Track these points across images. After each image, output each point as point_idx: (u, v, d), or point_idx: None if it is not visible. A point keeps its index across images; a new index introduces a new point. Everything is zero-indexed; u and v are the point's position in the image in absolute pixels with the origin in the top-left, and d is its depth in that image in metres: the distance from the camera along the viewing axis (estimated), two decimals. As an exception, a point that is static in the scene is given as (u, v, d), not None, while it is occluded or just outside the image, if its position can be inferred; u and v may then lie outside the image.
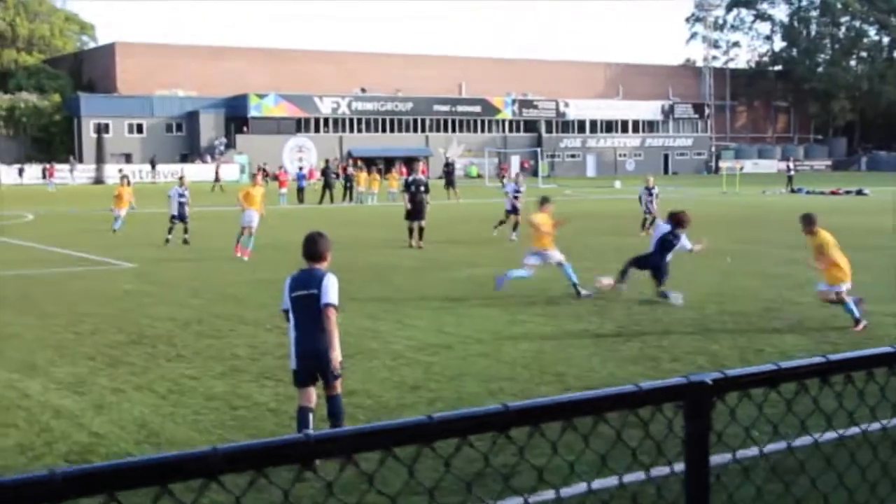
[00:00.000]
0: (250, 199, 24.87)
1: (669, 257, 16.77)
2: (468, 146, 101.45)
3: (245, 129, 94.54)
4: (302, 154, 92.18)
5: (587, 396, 2.39)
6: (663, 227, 17.06)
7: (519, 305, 16.21)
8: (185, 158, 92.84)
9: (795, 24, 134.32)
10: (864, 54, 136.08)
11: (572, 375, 11.10)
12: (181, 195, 28.99)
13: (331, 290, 7.99)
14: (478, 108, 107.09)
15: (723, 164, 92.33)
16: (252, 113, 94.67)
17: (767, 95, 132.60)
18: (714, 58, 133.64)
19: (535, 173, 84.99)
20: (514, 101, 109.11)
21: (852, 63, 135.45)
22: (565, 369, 11.41)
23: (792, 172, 65.62)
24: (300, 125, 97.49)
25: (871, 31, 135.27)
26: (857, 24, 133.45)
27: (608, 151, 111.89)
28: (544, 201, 18.17)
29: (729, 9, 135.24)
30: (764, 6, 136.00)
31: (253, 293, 17.69)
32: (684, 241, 16.81)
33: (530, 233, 18.03)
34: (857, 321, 13.57)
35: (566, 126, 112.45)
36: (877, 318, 14.67)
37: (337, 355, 7.94)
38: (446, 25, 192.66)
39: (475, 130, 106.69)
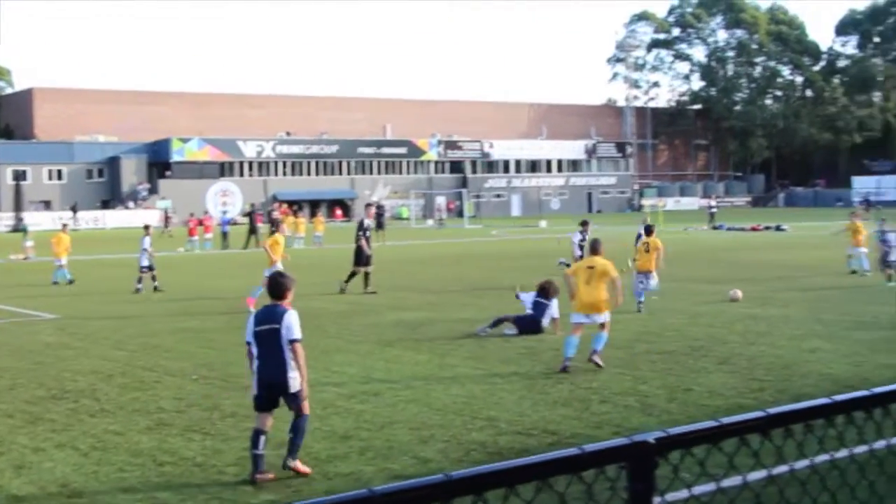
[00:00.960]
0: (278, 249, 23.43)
1: (546, 323, 17.70)
2: (394, 188, 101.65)
3: (168, 173, 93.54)
4: (226, 198, 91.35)
5: (530, 462, 2.32)
6: (530, 295, 18.32)
7: (448, 349, 16.14)
8: (106, 204, 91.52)
9: (713, 64, 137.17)
10: (779, 93, 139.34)
11: (504, 420, 11.03)
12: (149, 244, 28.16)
13: (294, 326, 9.01)
14: (403, 150, 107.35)
15: (646, 202, 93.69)
16: (175, 157, 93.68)
17: (688, 134, 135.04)
18: (635, 97, 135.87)
19: (460, 213, 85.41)
20: (439, 143, 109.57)
21: (768, 101, 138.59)
22: (497, 414, 11.34)
23: (714, 209, 66.74)
24: (224, 169, 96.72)
25: (786, 71, 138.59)
26: (772, 64, 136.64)
27: (533, 191, 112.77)
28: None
29: (649, 49, 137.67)
30: (682, 46, 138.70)
31: (178, 343, 17.38)
32: (553, 310, 17.76)
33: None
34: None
35: (491, 166, 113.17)
36: (798, 355, 14.85)
37: (305, 385, 9.10)
38: (370, 68, 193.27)
39: (401, 172, 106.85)
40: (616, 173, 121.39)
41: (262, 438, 8.97)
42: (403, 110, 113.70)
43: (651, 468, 2.47)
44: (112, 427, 11.06)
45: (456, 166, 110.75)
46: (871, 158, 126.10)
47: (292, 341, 8.98)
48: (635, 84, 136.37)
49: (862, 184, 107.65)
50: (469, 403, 11.95)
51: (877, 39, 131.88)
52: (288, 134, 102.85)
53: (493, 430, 10.58)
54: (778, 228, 57.36)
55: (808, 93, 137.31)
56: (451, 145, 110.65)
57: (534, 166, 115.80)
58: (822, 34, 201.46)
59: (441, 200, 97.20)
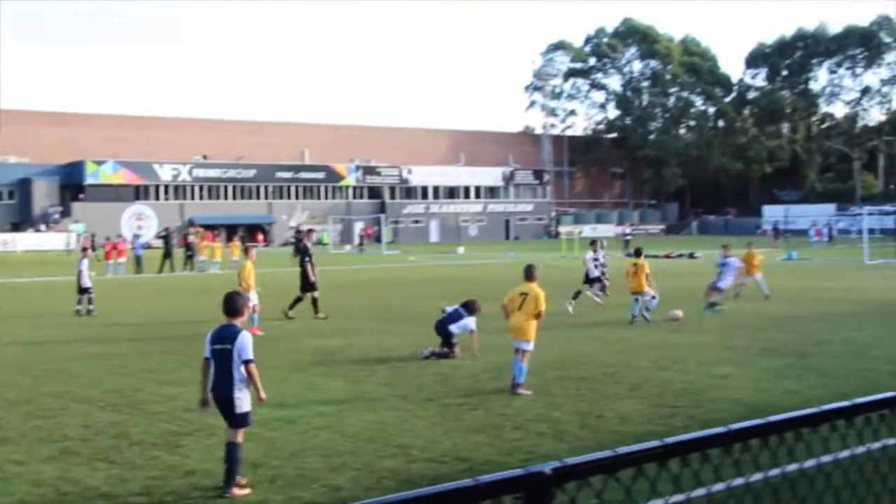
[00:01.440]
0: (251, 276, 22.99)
1: (456, 330, 18.19)
2: (312, 213, 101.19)
3: (81, 196, 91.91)
4: (141, 222, 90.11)
5: (425, 493, 2.29)
6: (454, 306, 19.00)
7: (363, 375, 16.05)
8: (16, 227, 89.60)
9: (628, 93, 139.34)
10: (692, 123, 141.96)
11: (416, 447, 10.98)
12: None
13: (246, 347, 9.38)
14: (321, 175, 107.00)
15: (562, 229, 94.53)
16: (89, 180, 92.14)
17: (604, 162, 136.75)
18: (552, 125, 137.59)
19: (378, 239, 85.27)
20: (357, 168, 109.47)
21: (682, 131, 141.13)
22: (409, 441, 11.28)
23: (629, 236, 67.64)
24: (139, 192, 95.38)
25: (699, 102, 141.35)
26: (686, 94, 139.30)
27: (451, 217, 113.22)
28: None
29: (566, 78, 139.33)
30: (598, 76, 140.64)
31: (87, 369, 17.00)
32: (470, 323, 18.29)
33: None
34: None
35: (409, 192, 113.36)
36: (709, 381, 15.06)
37: (263, 395, 9.51)
38: (289, 92, 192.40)
39: (319, 197, 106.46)
40: (533, 200, 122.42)
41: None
42: (322, 135, 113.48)
43: (548, 499, 2.45)
44: (13, 456, 10.74)
45: (374, 192, 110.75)
46: (780, 188, 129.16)
47: (245, 362, 9.33)
48: (552, 112, 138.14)
49: (772, 212, 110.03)
50: (382, 430, 11.87)
51: (785, 72, 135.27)
52: (205, 157, 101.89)
53: (405, 458, 10.52)
54: (691, 256, 58.26)
55: (721, 123, 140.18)
56: (370, 171, 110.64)
57: (452, 193, 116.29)
58: (733, 66, 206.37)
59: (359, 226, 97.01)
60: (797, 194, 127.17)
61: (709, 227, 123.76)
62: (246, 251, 24.92)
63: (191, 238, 53.13)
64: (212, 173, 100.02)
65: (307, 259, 25.90)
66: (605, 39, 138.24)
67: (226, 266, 50.33)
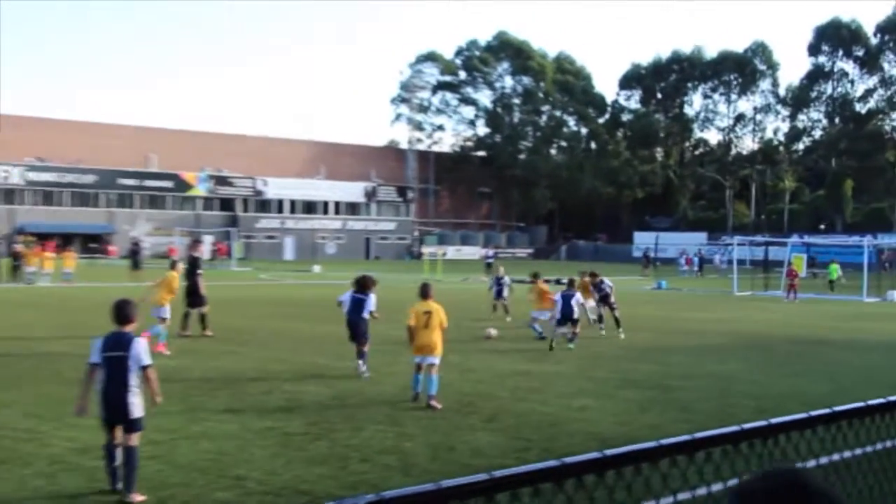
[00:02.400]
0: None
1: (367, 316, 19.13)
2: (157, 224, 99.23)
3: None
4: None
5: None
6: (347, 294, 19.57)
7: (201, 400, 15.72)
8: None
9: (499, 110, 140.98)
10: (564, 144, 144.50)
11: (254, 479, 10.78)
12: None
13: (143, 353, 10.21)
14: (169, 184, 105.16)
15: (425, 250, 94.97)
16: None
17: (471, 181, 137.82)
18: (419, 140, 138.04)
19: (229, 254, 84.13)
20: (208, 178, 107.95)
21: (553, 152, 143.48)
22: (246, 472, 11.07)
23: (490, 259, 68.26)
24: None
25: (571, 122, 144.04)
26: (558, 113, 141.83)
27: (308, 234, 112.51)
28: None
29: (434, 91, 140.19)
30: (469, 90, 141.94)
31: None
32: (370, 303, 19.15)
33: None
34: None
35: (264, 205, 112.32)
36: (567, 413, 15.23)
37: (159, 399, 10.47)
38: (134, 93, 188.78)
39: (165, 207, 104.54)
40: (396, 219, 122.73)
41: (118, 451, 10.14)
42: (170, 140, 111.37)
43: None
44: None
45: (226, 204, 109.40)
46: (652, 214, 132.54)
47: (144, 368, 10.18)
48: (419, 126, 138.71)
49: (643, 239, 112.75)
50: (217, 460, 11.63)
51: (659, 95, 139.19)
52: (40, 160, 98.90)
53: (239, 490, 10.31)
54: (558, 282, 59.05)
55: (593, 145, 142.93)
56: (222, 181, 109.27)
57: (310, 207, 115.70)
58: (607, 86, 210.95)
59: (209, 240, 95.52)
60: (668, 221, 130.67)
61: (578, 252, 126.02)
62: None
63: (18, 247, 51.40)
64: (47, 177, 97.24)
65: (198, 272, 26.08)
66: (477, 53, 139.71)
67: (57, 278, 48.88)
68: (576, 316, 24.81)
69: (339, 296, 20.15)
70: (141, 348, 10.22)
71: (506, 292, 34.15)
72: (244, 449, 12.31)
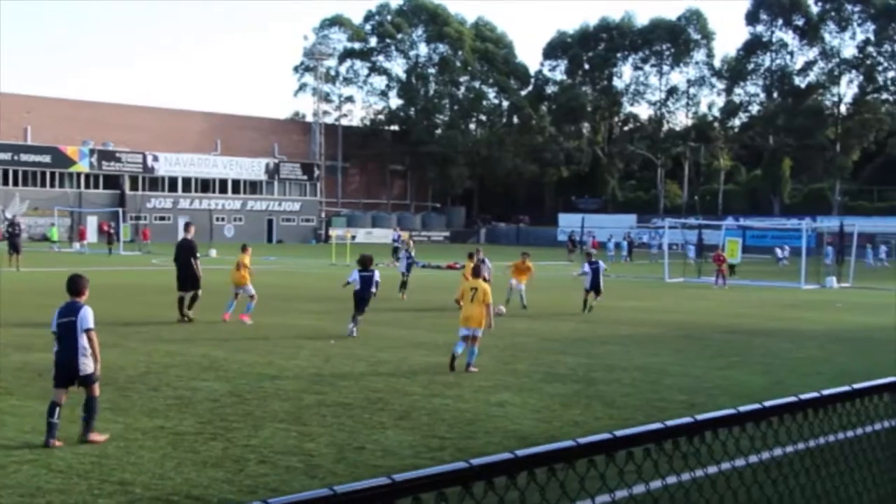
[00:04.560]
0: None
1: (374, 290, 24.70)
2: (34, 203, 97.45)
3: None
4: None
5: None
6: (354, 273, 24.89)
7: (79, 398, 15.46)
8: None
9: (413, 81, 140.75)
10: (483, 118, 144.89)
11: (140, 484, 10.65)
12: None
13: (88, 317, 12.50)
14: (47, 158, 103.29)
15: (333, 233, 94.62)
16: None
17: (383, 157, 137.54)
18: (325, 113, 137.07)
19: (116, 237, 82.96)
20: (92, 152, 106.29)
21: (472, 126, 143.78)
22: (133, 476, 10.94)
23: (398, 243, 67.74)
24: None
25: (491, 94, 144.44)
26: (477, 84, 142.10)
27: (204, 214, 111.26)
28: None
29: (342, 60, 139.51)
30: (380, 59, 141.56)
31: None
32: (377, 276, 24.77)
33: None
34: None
35: (155, 183, 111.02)
36: (485, 409, 15.30)
37: (97, 366, 12.76)
38: (10, 58, 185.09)
39: (43, 185, 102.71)
40: (301, 198, 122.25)
41: (58, 410, 12.29)
42: (49, 111, 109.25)
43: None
44: None
45: (112, 181, 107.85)
46: (578, 195, 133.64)
47: (87, 330, 12.39)
48: (326, 98, 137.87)
49: (568, 221, 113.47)
50: (100, 464, 11.47)
51: (586, 66, 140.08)
52: None
53: (124, 497, 10.19)
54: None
55: (515, 119, 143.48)
56: (108, 156, 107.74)
57: (206, 186, 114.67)
58: (531, 56, 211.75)
59: (93, 221, 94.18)
60: (596, 202, 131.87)
61: (499, 235, 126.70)
62: (243, 248, 28.76)
63: None
64: None
65: (195, 256, 28.16)
66: (389, 17, 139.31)
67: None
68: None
69: (347, 276, 24.95)
70: (87, 314, 12.45)
71: (408, 272, 38.69)
72: (130, 451, 12.17)
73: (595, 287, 32.77)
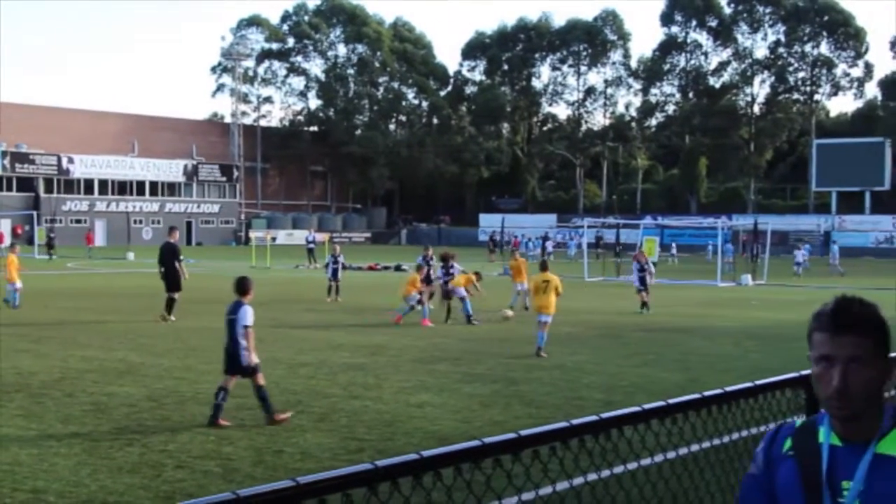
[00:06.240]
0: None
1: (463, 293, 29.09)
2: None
3: None
4: None
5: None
6: (439, 271, 29.85)
7: (6, 400, 15.25)
8: None
9: (332, 81, 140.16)
10: (403, 118, 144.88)
11: (54, 492, 10.52)
12: None
13: (247, 316, 14.24)
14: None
15: (253, 235, 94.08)
16: None
17: (303, 158, 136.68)
18: (244, 114, 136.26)
19: (31, 241, 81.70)
20: (4, 154, 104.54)
21: (391, 127, 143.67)
22: (45, 484, 10.80)
23: (312, 245, 66.56)
24: None
25: (411, 94, 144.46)
26: (396, 85, 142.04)
27: (121, 217, 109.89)
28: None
29: (260, 60, 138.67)
30: (298, 59, 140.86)
31: None
32: (456, 269, 29.74)
33: None
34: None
35: (70, 186, 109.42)
36: (405, 410, 15.33)
37: (255, 357, 14.32)
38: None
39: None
40: (220, 200, 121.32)
41: (222, 393, 14.15)
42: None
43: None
44: None
45: (26, 183, 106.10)
46: (499, 195, 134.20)
47: (245, 327, 14.25)
48: (244, 98, 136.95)
49: (489, 222, 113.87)
50: (11, 472, 11.30)
51: (505, 67, 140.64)
52: None
53: (38, 505, 10.07)
54: (398, 268, 59.34)
55: (435, 120, 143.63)
56: (21, 158, 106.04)
57: (123, 188, 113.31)
58: (450, 57, 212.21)
59: (6, 224, 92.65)
60: (517, 203, 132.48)
61: (420, 235, 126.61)
62: (418, 269, 30.90)
63: None
64: None
65: (179, 260, 29.35)
66: (307, 18, 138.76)
67: None
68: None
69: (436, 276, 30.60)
70: (247, 312, 14.23)
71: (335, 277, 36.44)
72: (43, 458, 12.01)
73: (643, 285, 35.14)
